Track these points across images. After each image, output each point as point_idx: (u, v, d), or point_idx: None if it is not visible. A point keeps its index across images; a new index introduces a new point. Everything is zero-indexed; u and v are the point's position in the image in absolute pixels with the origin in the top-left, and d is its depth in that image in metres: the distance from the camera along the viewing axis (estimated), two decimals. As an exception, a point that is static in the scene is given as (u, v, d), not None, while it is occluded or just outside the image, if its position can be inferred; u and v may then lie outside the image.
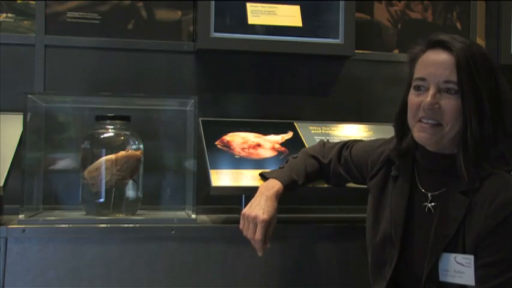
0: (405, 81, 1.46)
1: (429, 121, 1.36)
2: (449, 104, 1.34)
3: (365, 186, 1.62)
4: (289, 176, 1.66)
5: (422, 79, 1.38)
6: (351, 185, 1.74)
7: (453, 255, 1.34)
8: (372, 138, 2.01)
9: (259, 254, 1.54)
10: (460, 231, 1.34)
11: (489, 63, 1.37)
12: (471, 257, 1.31)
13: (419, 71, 1.40)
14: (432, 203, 1.41)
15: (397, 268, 1.43)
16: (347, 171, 1.69)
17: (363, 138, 1.90)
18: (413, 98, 1.40)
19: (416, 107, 1.38)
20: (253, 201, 1.58)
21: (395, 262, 1.42)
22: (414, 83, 1.40)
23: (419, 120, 1.38)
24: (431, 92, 1.36)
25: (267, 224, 1.53)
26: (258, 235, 1.52)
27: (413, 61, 1.43)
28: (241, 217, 1.57)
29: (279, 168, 1.73)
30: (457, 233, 1.34)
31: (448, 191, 1.39)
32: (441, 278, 1.35)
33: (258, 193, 1.61)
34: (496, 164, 1.34)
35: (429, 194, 1.42)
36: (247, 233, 1.55)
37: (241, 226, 1.57)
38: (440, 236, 1.35)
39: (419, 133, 1.39)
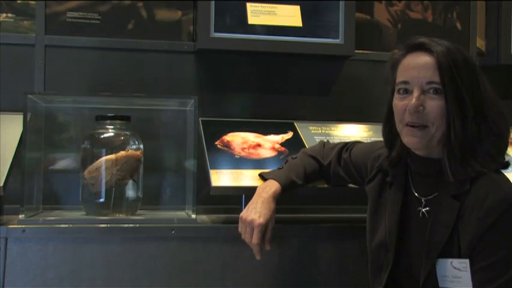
0: (389, 88, 1.46)
1: (416, 125, 1.36)
2: (434, 104, 1.35)
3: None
4: (288, 176, 1.66)
5: (405, 82, 1.39)
6: (350, 185, 1.74)
7: (449, 260, 1.33)
8: (372, 139, 2.02)
9: (257, 257, 1.55)
10: (454, 236, 1.33)
11: (469, 63, 1.38)
12: (466, 261, 1.31)
13: (401, 75, 1.40)
14: (426, 208, 1.41)
15: (394, 273, 1.43)
16: (347, 172, 1.69)
17: (363, 138, 1.90)
18: (397, 102, 1.40)
19: (402, 111, 1.39)
20: (251, 204, 1.59)
21: (390, 267, 1.42)
22: (397, 87, 1.41)
23: (406, 125, 1.38)
24: (416, 94, 1.36)
25: (264, 227, 1.54)
26: (255, 239, 1.53)
27: (394, 66, 1.44)
28: (239, 220, 1.58)
29: (278, 168, 1.73)
30: (451, 237, 1.34)
31: (440, 195, 1.39)
32: (441, 284, 1.34)
33: (255, 195, 1.61)
34: (484, 163, 1.34)
35: (422, 199, 1.42)
36: (245, 236, 1.56)
37: (239, 229, 1.58)
38: (434, 242, 1.35)
39: (408, 137, 1.39)
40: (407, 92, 1.39)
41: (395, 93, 1.42)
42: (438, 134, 1.36)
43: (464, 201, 1.33)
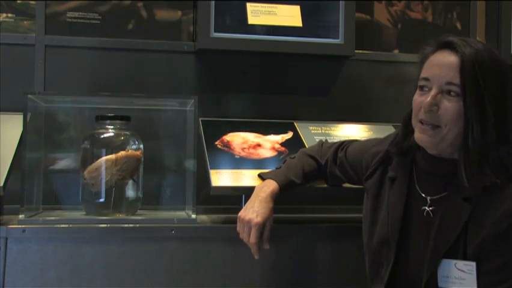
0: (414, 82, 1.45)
1: (428, 124, 1.36)
2: (449, 106, 1.33)
3: (363, 187, 1.61)
4: (286, 176, 1.66)
5: (426, 79, 1.38)
6: (349, 185, 1.74)
7: (453, 261, 1.32)
8: (371, 138, 2.01)
9: (256, 257, 1.55)
10: (461, 238, 1.32)
11: (499, 69, 1.34)
12: (473, 264, 1.30)
13: (424, 71, 1.39)
14: (431, 207, 1.40)
15: (394, 271, 1.42)
16: (343, 172, 1.69)
17: (363, 138, 1.90)
18: (416, 97, 1.40)
19: (418, 107, 1.38)
20: (248, 204, 1.59)
21: (391, 265, 1.41)
22: (419, 83, 1.40)
23: (420, 122, 1.38)
24: (432, 92, 1.35)
25: (261, 226, 1.54)
26: (253, 238, 1.53)
27: (422, 61, 1.42)
28: (237, 220, 1.58)
29: (276, 168, 1.73)
30: (457, 239, 1.32)
31: (450, 196, 1.37)
32: (441, 285, 1.33)
33: (253, 195, 1.61)
34: (497, 171, 1.31)
35: (428, 198, 1.41)
36: (243, 236, 1.56)
37: (237, 228, 1.58)
38: (441, 242, 1.34)
39: (419, 134, 1.38)
40: (427, 89, 1.37)
41: (417, 89, 1.41)
42: (450, 136, 1.34)
43: (476, 204, 1.32)
